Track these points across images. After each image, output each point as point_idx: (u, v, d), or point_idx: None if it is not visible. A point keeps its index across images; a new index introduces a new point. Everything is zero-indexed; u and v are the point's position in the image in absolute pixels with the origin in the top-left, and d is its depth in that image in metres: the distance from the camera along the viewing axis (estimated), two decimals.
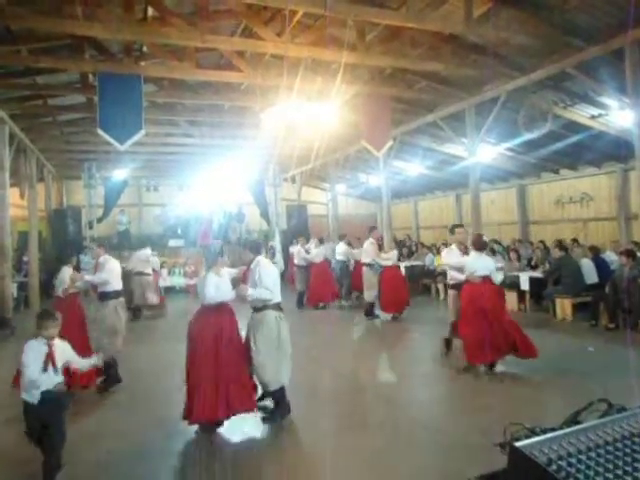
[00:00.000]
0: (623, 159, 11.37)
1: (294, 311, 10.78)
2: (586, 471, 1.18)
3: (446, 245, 9.67)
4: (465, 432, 4.25)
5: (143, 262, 10.81)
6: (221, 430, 4.44)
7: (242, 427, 4.50)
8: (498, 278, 6.25)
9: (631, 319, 7.65)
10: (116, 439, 4.31)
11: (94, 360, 3.97)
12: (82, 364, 3.88)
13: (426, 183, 17.68)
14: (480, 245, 6.13)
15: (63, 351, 3.58)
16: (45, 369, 3.36)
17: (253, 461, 3.98)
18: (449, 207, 18.14)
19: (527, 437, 1.42)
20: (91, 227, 13.53)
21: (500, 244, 13.20)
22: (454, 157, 13.45)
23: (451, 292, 6.49)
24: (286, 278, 14.27)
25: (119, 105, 7.48)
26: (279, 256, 13.71)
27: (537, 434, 1.43)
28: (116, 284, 5.70)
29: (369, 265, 9.60)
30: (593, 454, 1.24)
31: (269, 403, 4.81)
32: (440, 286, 11.66)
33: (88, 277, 5.79)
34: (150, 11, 7.79)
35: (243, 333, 4.68)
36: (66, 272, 5.72)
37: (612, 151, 10.95)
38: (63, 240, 14.88)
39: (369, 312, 9.66)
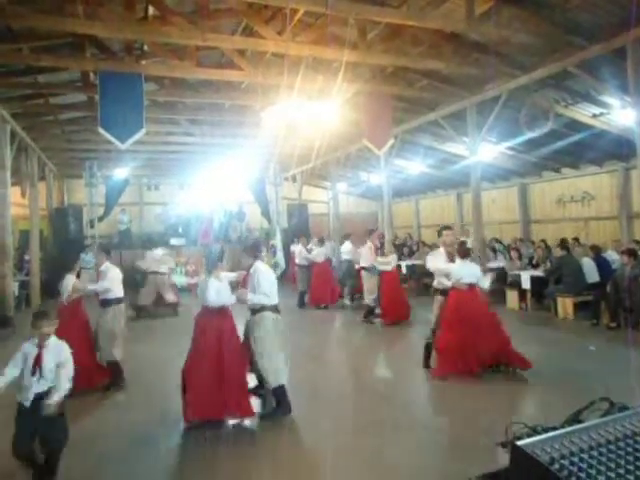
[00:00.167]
0: (625, 158, 11.36)
1: (295, 311, 10.78)
2: (588, 470, 1.18)
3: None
4: (466, 432, 4.25)
5: (157, 262, 10.93)
6: (222, 430, 4.44)
7: (243, 424, 4.51)
8: (486, 284, 6.13)
9: (632, 318, 7.64)
10: (116, 438, 4.32)
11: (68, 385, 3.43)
12: (65, 375, 3.40)
13: (427, 182, 17.66)
14: (464, 252, 6.01)
15: (59, 353, 3.40)
16: (34, 372, 3.27)
17: (254, 461, 3.99)
18: (450, 206, 18.13)
19: (529, 436, 1.42)
20: (92, 226, 13.56)
21: (501, 243, 13.20)
22: (455, 156, 13.44)
23: (438, 298, 6.14)
24: (288, 277, 14.30)
25: (120, 104, 7.47)
26: (280, 255, 13.71)
27: (539, 433, 1.43)
28: (117, 291, 5.88)
29: (367, 269, 9.50)
30: (595, 453, 1.24)
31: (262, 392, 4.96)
32: None
33: (91, 287, 5.95)
34: (151, 10, 7.79)
35: (240, 334, 4.80)
36: (70, 280, 5.78)
37: (614, 150, 10.93)
38: (64, 239, 14.89)
39: (368, 315, 9.41)
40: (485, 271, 7.37)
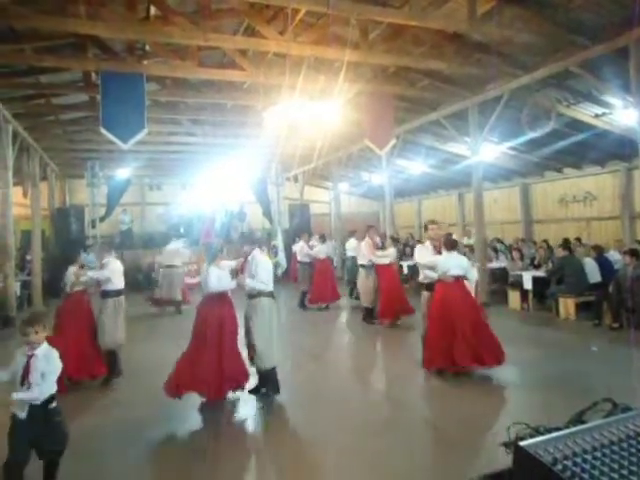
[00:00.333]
0: (627, 158, 11.34)
1: (296, 310, 10.78)
2: (591, 471, 1.17)
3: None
4: (468, 432, 4.24)
5: (172, 255, 10.95)
6: (223, 429, 4.45)
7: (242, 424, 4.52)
8: (474, 276, 6.10)
9: (635, 318, 7.62)
10: (117, 437, 4.32)
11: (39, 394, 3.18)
12: (44, 385, 3.16)
13: (429, 182, 17.66)
14: (450, 244, 5.93)
15: (47, 362, 3.19)
16: (22, 382, 3.10)
17: (256, 460, 3.99)
18: (452, 206, 18.12)
19: (532, 436, 1.41)
20: (94, 226, 13.59)
21: (503, 243, 13.18)
22: (457, 156, 13.43)
23: (425, 293, 6.07)
24: (289, 276, 14.29)
25: (122, 104, 7.48)
26: (282, 255, 13.70)
27: (542, 433, 1.42)
28: (117, 283, 6.05)
29: (365, 267, 9.42)
30: (598, 454, 1.24)
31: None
32: None
33: (91, 273, 6.10)
34: (153, 10, 7.81)
35: (239, 318, 5.19)
36: (72, 271, 6.01)
37: (616, 150, 10.91)
38: (66, 239, 14.91)
39: (367, 317, 9.26)
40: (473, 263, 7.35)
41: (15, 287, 10.46)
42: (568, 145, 11.02)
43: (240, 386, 5.07)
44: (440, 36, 8.18)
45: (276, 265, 12.44)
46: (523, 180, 15.08)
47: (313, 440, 4.28)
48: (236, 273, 5.19)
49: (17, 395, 3.09)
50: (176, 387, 4.79)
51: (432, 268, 5.90)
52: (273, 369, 5.15)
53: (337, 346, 8.06)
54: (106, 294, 5.99)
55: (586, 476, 1.16)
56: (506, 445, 1.57)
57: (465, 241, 13.49)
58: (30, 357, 3.16)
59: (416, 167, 15.52)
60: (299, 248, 11.72)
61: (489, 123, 9.80)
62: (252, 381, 5.22)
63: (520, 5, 7.08)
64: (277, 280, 5.98)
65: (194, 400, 4.96)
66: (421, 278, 6.21)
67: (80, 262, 6.21)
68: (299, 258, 11.66)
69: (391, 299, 8.93)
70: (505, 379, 5.63)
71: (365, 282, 9.29)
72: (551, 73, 8.28)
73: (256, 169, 17.60)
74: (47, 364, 3.18)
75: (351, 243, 11.49)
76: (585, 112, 9.91)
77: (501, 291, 10.73)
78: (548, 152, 11.88)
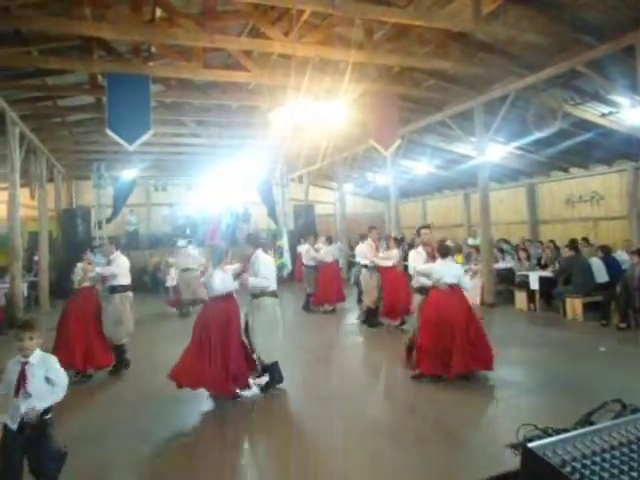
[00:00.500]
0: (634, 157, 11.27)
1: (300, 313, 10.75)
2: (600, 473, 1.16)
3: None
4: (474, 433, 4.22)
5: (187, 258, 11.08)
6: (225, 428, 4.45)
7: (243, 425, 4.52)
8: (467, 284, 6.01)
9: None
10: (118, 436, 4.33)
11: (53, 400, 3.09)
12: (55, 391, 3.07)
13: (434, 182, 17.61)
14: (444, 251, 5.83)
15: (46, 368, 3.06)
16: (17, 391, 2.95)
17: (258, 459, 3.99)
18: (458, 206, 18.06)
19: (540, 438, 1.40)
20: (100, 227, 13.60)
21: (509, 243, 13.13)
22: (463, 156, 13.39)
23: (417, 297, 6.03)
24: (293, 277, 14.29)
25: (127, 105, 7.52)
26: (287, 256, 13.70)
27: (550, 435, 1.41)
28: (124, 279, 6.32)
29: (367, 267, 9.37)
30: (607, 456, 1.22)
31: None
32: None
33: (98, 269, 6.30)
34: (158, 12, 7.83)
35: (242, 316, 5.40)
36: (80, 267, 6.26)
37: (623, 149, 10.84)
38: (73, 240, 14.97)
39: (369, 318, 9.13)
40: (466, 270, 7.32)
41: (22, 288, 10.54)
42: (574, 145, 10.97)
43: (246, 385, 5.20)
44: (445, 36, 8.15)
45: (281, 266, 12.45)
46: (529, 180, 15.01)
47: (316, 440, 4.27)
48: (239, 274, 5.36)
49: (37, 404, 2.96)
50: (178, 376, 4.98)
51: (427, 275, 5.83)
52: (275, 363, 5.41)
53: (341, 347, 8.03)
54: (113, 289, 6.25)
55: (595, 478, 1.14)
56: (514, 447, 1.56)
57: (471, 241, 13.46)
58: (24, 364, 3.01)
59: (421, 167, 15.46)
60: (305, 251, 11.59)
61: (495, 123, 9.75)
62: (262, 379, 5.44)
63: (526, 4, 7.04)
64: (282, 281, 6.04)
65: (196, 400, 5.00)
66: (414, 282, 6.17)
67: (88, 259, 6.38)
68: (305, 261, 11.50)
69: (395, 300, 8.84)
70: (512, 380, 5.61)
71: (369, 282, 9.21)
72: (557, 72, 8.23)
73: (261, 170, 17.61)
74: (47, 369, 3.05)
75: (360, 248, 11.37)
76: (592, 111, 9.85)
77: (507, 291, 10.68)
78: (554, 152, 11.82)
